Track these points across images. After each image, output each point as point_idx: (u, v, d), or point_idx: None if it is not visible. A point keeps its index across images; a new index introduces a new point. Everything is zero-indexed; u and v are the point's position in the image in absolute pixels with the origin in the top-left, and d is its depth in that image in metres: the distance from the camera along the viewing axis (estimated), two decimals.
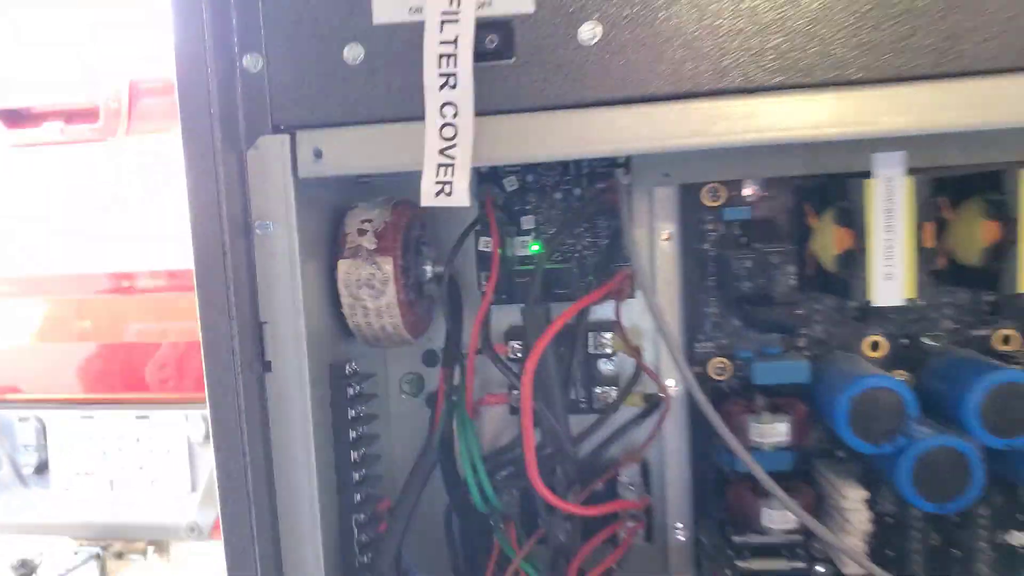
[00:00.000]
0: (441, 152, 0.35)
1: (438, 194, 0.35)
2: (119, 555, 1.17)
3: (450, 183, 0.35)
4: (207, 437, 0.94)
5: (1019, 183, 0.38)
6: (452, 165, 0.34)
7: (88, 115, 1.01)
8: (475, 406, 0.45)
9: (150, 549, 1.16)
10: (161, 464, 0.99)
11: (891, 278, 0.39)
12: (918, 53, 0.33)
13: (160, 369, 0.99)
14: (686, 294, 0.46)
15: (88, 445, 1.00)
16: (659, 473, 0.48)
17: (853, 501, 0.42)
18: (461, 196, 0.35)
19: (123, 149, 1.00)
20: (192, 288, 0.36)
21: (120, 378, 1.00)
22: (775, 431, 0.42)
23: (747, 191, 0.45)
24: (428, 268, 0.43)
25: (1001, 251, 0.39)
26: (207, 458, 0.98)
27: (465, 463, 0.43)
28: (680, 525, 0.48)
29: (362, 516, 0.42)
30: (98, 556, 1.16)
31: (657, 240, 0.46)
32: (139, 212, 0.98)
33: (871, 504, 0.43)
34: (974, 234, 0.40)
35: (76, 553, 1.16)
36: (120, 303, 1.00)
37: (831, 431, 0.42)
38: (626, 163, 0.45)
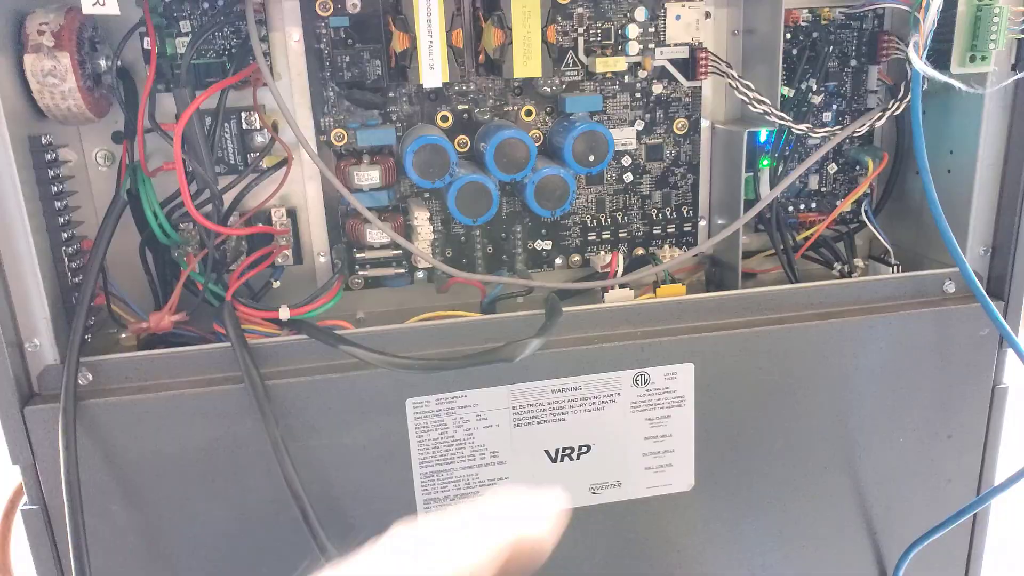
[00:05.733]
0: None
1: (94, 4, 0.48)
2: None
3: None
4: None
5: (511, 2, 0.58)
6: None
7: None
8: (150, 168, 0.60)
9: None
10: None
11: (433, 68, 0.58)
12: None
13: None
14: (313, 82, 0.63)
15: None
16: (304, 216, 0.67)
17: (420, 220, 0.63)
18: (112, 6, 0.48)
19: None
20: None
21: None
22: (370, 176, 0.62)
23: (349, 4, 0.61)
24: (102, 62, 0.57)
25: (503, 50, 0.60)
26: None
27: (147, 210, 0.59)
28: (321, 252, 0.68)
29: (71, 249, 0.57)
30: None
31: (290, 42, 0.62)
32: None
33: (434, 221, 0.65)
34: (491, 38, 0.60)
35: None
36: None
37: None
38: None
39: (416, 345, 0.60)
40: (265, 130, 0.62)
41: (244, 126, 0.63)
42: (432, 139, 0.60)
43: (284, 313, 0.58)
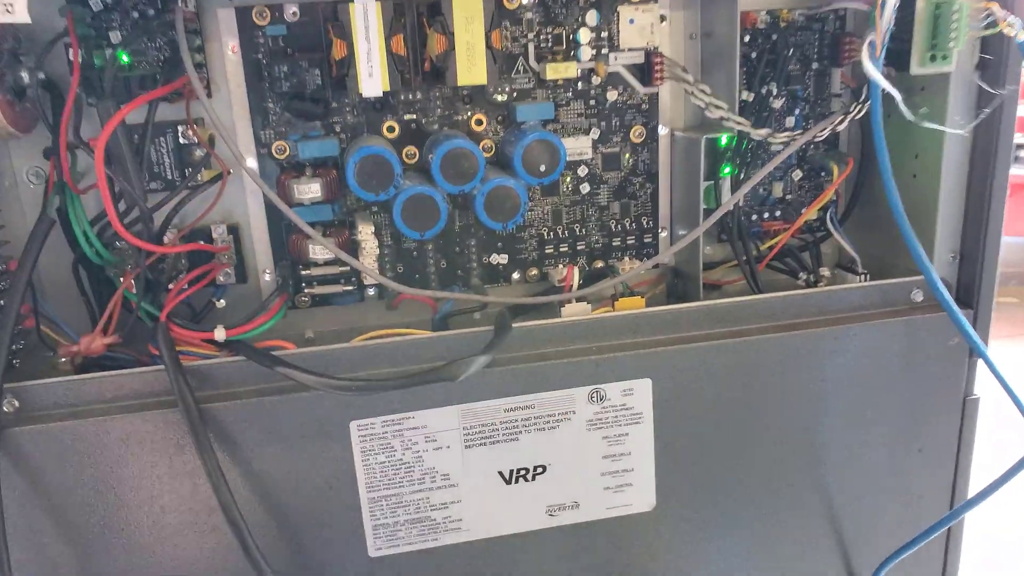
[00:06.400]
0: None
1: (3, 12, 0.46)
2: None
3: (12, 3, 0.46)
4: None
5: (453, 6, 0.56)
6: None
7: None
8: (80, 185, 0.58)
9: None
10: None
11: (372, 76, 0.56)
12: None
13: None
14: (252, 93, 0.61)
15: None
16: (247, 232, 0.64)
17: (365, 234, 0.61)
18: (22, 15, 0.46)
19: None
20: None
21: None
22: (310, 190, 0.60)
23: (287, 12, 0.59)
24: (25, 74, 0.54)
25: (446, 56, 0.58)
26: None
27: (76, 230, 0.57)
28: (266, 269, 0.65)
29: None
30: None
31: (226, 51, 0.60)
32: None
33: (384, 236, 0.63)
34: (434, 44, 0.58)
35: None
36: None
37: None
38: None
39: (360, 365, 0.57)
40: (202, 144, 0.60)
41: (181, 140, 0.60)
42: (374, 150, 0.58)
43: (220, 334, 0.56)
